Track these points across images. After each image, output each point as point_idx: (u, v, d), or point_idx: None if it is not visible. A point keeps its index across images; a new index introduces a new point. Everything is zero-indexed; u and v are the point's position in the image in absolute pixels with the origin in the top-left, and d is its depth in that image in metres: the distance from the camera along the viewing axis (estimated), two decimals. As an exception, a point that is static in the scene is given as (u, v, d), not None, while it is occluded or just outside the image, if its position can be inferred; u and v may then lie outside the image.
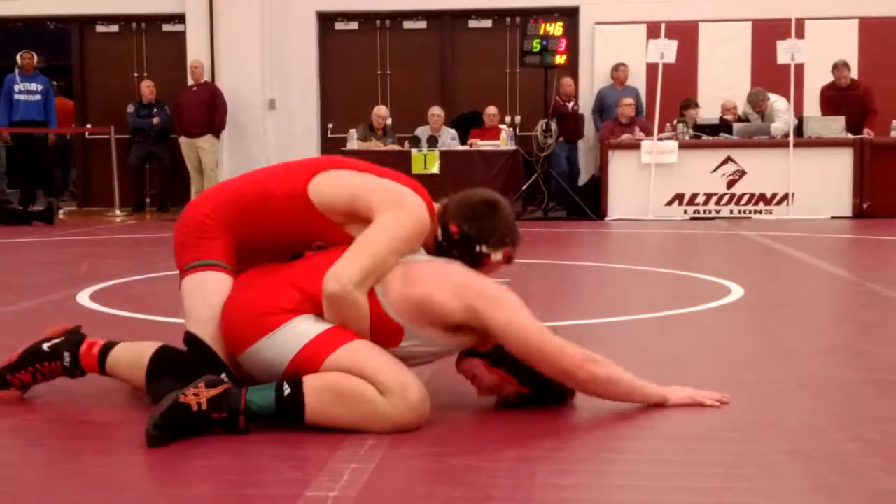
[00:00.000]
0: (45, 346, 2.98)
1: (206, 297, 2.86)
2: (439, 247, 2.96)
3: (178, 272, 2.99)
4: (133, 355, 2.92)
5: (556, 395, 2.88)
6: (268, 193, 2.94)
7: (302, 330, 2.69)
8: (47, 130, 12.50)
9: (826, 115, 11.25)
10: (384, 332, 2.73)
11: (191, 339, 2.84)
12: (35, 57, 12.39)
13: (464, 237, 2.93)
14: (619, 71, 12.20)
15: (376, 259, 2.74)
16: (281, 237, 2.95)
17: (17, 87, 12.36)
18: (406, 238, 2.81)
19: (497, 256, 2.97)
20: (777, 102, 11.25)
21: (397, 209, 2.82)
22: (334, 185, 2.91)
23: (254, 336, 2.71)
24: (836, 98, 11.35)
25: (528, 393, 2.86)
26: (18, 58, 12.39)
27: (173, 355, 2.87)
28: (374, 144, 11.29)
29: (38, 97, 12.35)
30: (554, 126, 11.40)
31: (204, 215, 2.95)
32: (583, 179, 12.21)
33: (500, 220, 2.97)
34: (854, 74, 11.71)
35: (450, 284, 2.73)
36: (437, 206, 2.99)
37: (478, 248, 2.93)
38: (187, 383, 2.62)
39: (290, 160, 3.27)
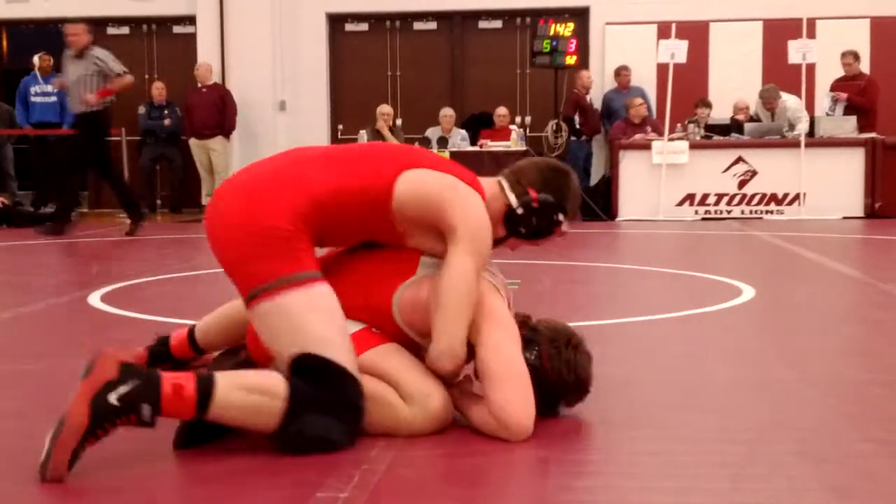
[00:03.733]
0: (113, 398, 2.30)
1: (326, 316, 2.53)
2: (510, 218, 2.84)
3: (231, 281, 2.65)
4: (257, 387, 2.43)
5: (561, 392, 2.82)
6: (346, 191, 2.65)
7: None
8: (58, 132, 12.52)
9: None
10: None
11: (330, 367, 2.48)
12: (52, 59, 12.43)
13: (544, 204, 2.84)
14: (621, 75, 12.19)
15: (468, 309, 2.65)
16: (347, 236, 2.80)
17: (33, 90, 12.42)
18: (482, 265, 2.71)
19: (566, 227, 2.91)
20: (789, 101, 11.22)
21: (476, 242, 2.65)
22: (415, 189, 2.69)
23: None
24: (842, 88, 11.33)
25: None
26: (36, 59, 12.43)
27: (311, 390, 2.46)
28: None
29: (53, 98, 12.41)
30: (565, 126, 11.38)
31: (285, 222, 2.55)
32: (593, 180, 12.19)
33: (573, 186, 2.91)
34: (866, 73, 11.68)
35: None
36: (493, 178, 2.89)
37: (557, 216, 2.86)
38: (332, 417, 2.45)
39: (331, 145, 3.11)
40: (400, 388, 2.61)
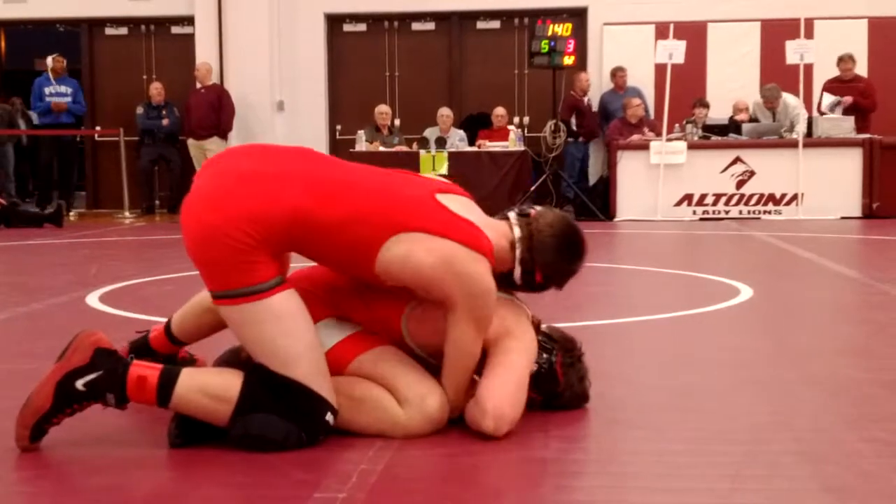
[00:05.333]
0: (80, 383, 2.46)
1: (286, 327, 2.51)
2: (506, 277, 2.75)
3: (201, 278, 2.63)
4: (212, 391, 2.51)
5: (565, 403, 2.87)
6: (318, 224, 2.52)
7: (328, 332, 2.68)
8: (61, 132, 12.52)
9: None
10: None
11: (282, 382, 2.50)
12: (65, 61, 12.50)
13: (545, 284, 2.80)
14: (617, 76, 12.20)
15: (472, 373, 2.70)
16: (322, 259, 2.70)
17: (47, 90, 12.45)
18: (485, 328, 2.65)
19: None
20: (789, 99, 11.24)
21: (476, 311, 2.59)
22: (401, 261, 2.54)
23: None
24: (838, 90, 11.33)
25: (538, 399, 2.85)
26: (50, 60, 12.48)
27: (268, 393, 2.51)
28: (374, 147, 11.29)
29: (67, 99, 12.43)
30: (563, 127, 11.38)
31: (243, 234, 2.46)
32: (592, 180, 12.20)
33: (580, 264, 2.82)
34: (863, 74, 11.70)
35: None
36: (506, 221, 2.77)
37: (550, 288, 2.84)
38: (282, 417, 2.48)
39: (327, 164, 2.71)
40: (396, 391, 2.61)
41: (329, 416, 2.54)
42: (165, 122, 12.44)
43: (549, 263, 2.74)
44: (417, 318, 2.71)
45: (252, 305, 2.49)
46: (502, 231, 2.75)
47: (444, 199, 2.67)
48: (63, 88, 12.47)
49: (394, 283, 2.62)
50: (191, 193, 2.59)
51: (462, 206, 2.70)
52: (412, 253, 2.53)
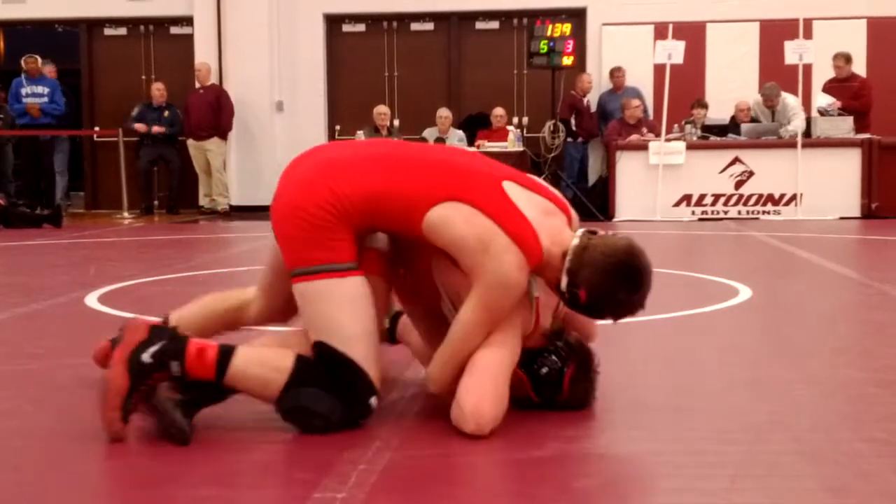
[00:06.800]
0: (146, 356, 2.54)
1: (354, 309, 2.63)
2: (559, 288, 2.71)
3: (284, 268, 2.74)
4: (268, 361, 2.62)
5: (563, 405, 2.86)
6: (392, 196, 2.66)
7: None
8: (57, 132, 12.51)
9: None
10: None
11: (339, 358, 2.60)
12: (39, 60, 12.43)
13: (592, 306, 2.70)
14: (615, 76, 12.20)
15: (466, 358, 2.68)
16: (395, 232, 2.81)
17: (23, 91, 12.41)
18: (496, 319, 2.66)
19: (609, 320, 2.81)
20: (788, 99, 11.25)
21: (492, 297, 2.61)
22: (440, 228, 2.64)
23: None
24: (835, 90, 11.34)
25: (537, 401, 2.85)
26: (23, 62, 12.43)
27: (320, 369, 2.62)
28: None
29: (44, 100, 12.39)
30: (562, 127, 11.39)
31: (329, 213, 2.63)
32: (591, 180, 12.21)
33: (631, 296, 2.69)
34: (862, 74, 11.71)
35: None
36: (577, 231, 2.73)
37: (600, 317, 2.78)
38: (330, 393, 2.57)
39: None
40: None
41: (373, 400, 2.62)
42: (155, 128, 12.34)
43: (594, 283, 2.62)
44: (446, 263, 2.74)
45: (326, 282, 2.61)
46: (561, 239, 2.70)
47: (509, 187, 2.71)
48: (39, 89, 12.41)
49: (435, 245, 2.68)
50: (285, 174, 2.78)
51: (527, 199, 2.72)
52: (451, 218, 2.62)
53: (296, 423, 2.61)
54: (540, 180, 2.92)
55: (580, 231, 2.74)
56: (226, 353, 2.59)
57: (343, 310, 2.61)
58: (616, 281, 2.64)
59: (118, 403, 2.53)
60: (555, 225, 2.73)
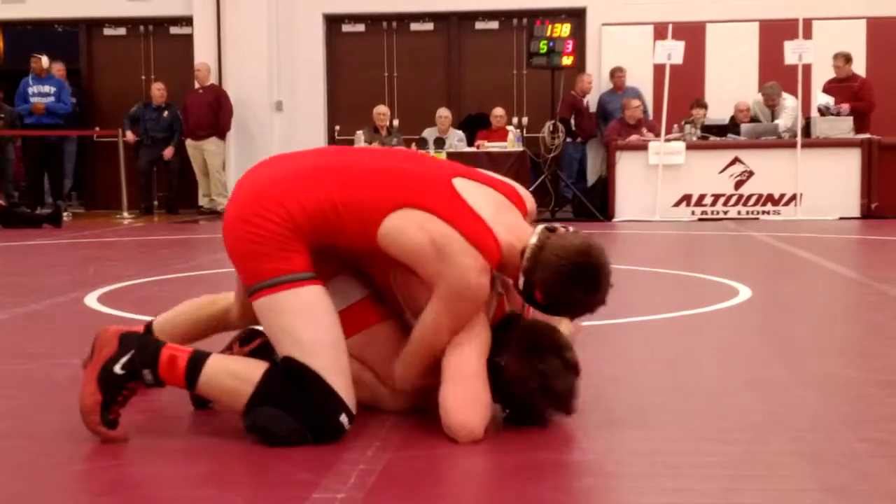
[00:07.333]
0: (117, 368, 2.53)
1: (313, 319, 2.55)
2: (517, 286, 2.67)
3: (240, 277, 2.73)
4: (237, 372, 2.57)
5: (530, 418, 2.74)
6: (348, 205, 2.60)
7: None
8: (56, 132, 12.50)
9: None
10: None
11: (305, 376, 2.52)
12: (42, 59, 12.43)
13: (549, 306, 2.65)
14: (615, 76, 12.21)
15: (430, 359, 2.66)
16: (342, 250, 2.71)
17: (30, 90, 12.44)
18: (460, 324, 2.61)
19: (566, 323, 2.80)
20: (787, 100, 11.26)
21: (454, 302, 2.55)
22: (395, 236, 2.57)
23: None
24: (835, 90, 11.35)
25: (506, 414, 2.77)
26: (33, 61, 12.46)
27: (285, 387, 2.53)
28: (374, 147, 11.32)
29: (51, 99, 12.41)
30: (562, 127, 11.39)
31: (281, 225, 2.57)
32: (590, 180, 12.21)
33: (586, 296, 2.64)
34: (862, 74, 11.71)
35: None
36: (528, 233, 2.64)
37: (559, 316, 2.75)
38: (292, 414, 2.50)
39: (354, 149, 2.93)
40: (377, 373, 2.77)
41: (343, 418, 2.53)
42: (148, 132, 12.37)
43: (549, 285, 2.57)
44: (404, 274, 2.69)
45: (284, 294, 2.55)
46: (521, 235, 2.64)
47: (460, 184, 2.66)
48: (46, 88, 12.43)
49: (391, 256, 2.62)
50: (233, 192, 2.73)
51: (480, 195, 2.66)
52: (404, 227, 2.56)
53: (259, 439, 2.54)
54: (490, 173, 2.84)
55: (539, 228, 2.67)
56: (196, 361, 2.55)
57: (303, 319, 2.54)
58: (570, 282, 2.58)
59: (97, 420, 2.53)
60: (511, 220, 2.68)
